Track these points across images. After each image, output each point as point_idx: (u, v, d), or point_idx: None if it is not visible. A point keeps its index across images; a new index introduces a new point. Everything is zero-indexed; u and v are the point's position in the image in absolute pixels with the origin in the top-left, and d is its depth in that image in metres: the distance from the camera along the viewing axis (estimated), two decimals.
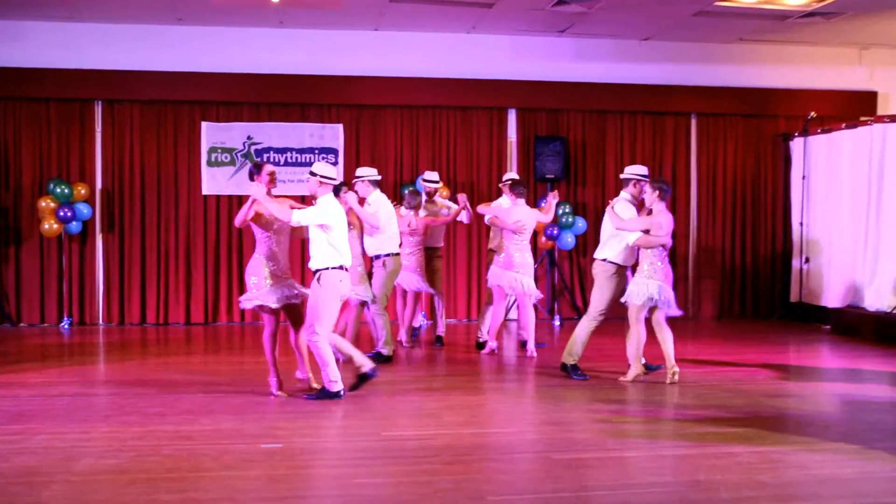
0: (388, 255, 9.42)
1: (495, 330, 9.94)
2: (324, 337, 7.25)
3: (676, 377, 8.11)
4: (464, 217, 10.60)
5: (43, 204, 11.81)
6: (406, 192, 10.89)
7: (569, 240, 12.80)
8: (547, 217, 10.11)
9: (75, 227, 12.00)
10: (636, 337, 8.21)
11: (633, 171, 8.72)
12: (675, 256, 12.51)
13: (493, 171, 13.17)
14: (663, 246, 8.16)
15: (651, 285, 8.07)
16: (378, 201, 9.40)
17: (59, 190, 11.78)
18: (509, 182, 9.97)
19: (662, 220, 8.14)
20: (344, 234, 7.50)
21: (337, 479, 5.21)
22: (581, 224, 12.83)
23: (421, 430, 6.41)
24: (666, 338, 8.18)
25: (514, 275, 9.61)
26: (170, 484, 5.10)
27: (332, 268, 7.32)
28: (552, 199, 10.06)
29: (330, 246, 7.34)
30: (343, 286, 7.43)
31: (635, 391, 7.90)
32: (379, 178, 9.61)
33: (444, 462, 5.62)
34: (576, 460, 5.70)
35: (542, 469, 5.52)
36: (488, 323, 10.12)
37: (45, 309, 12.41)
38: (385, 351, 9.26)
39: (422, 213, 10.40)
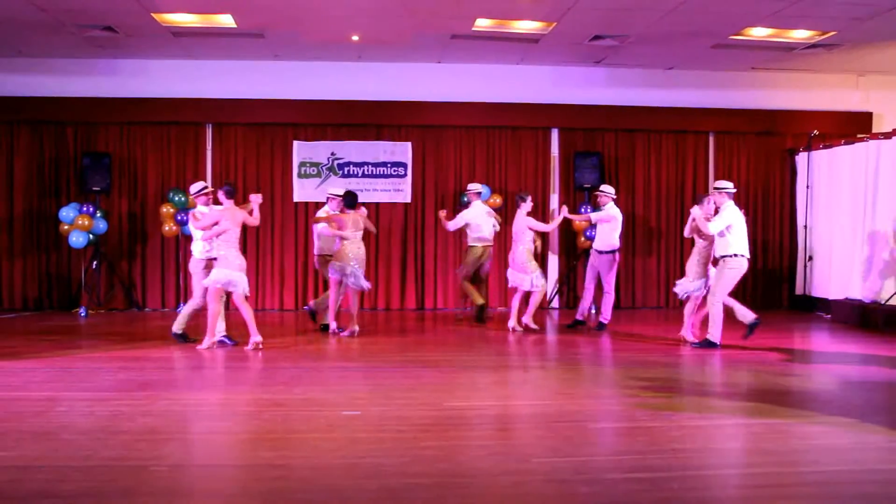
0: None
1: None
2: None
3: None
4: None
5: (164, 210, 12.04)
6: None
7: None
8: (544, 227, 10.32)
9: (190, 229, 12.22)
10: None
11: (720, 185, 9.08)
12: None
13: (538, 181, 13.11)
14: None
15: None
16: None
17: (177, 198, 12.00)
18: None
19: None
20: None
21: (405, 441, 5.22)
22: None
23: (476, 402, 6.41)
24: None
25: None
26: (268, 443, 5.16)
27: None
28: (563, 212, 10.41)
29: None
30: None
31: (660, 371, 7.81)
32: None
33: (495, 429, 5.62)
34: (609, 429, 5.67)
35: (579, 436, 5.48)
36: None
37: (165, 296, 12.67)
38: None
39: None
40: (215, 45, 11.71)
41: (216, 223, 8.51)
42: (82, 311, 11.95)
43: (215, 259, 8.64)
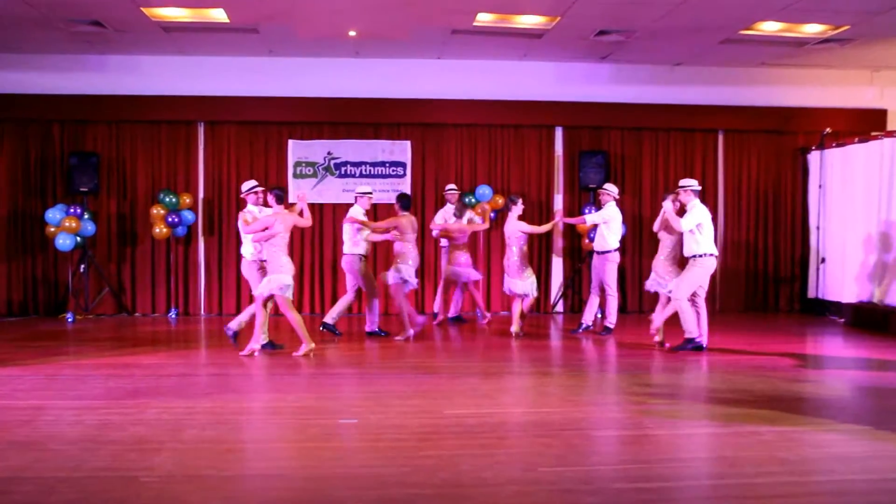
0: None
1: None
2: None
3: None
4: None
5: (154, 211, 12.04)
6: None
7: None
8: (537, 229, 10.39)
9: (181, 230, 12.23)
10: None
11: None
12: None
13: (542, 181, 13.12)
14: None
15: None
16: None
17: (168, 199, 12.00)
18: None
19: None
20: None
21: (405, 450, 5.22)
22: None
23: (478, 409, 6.40)
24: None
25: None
26: (262, 453, 5.17)
27: None
28: (557, 216, 10.70)
29: None
30: None
31: (668, 376, 7.81)
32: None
33: (498, 437, 5.61)
34: (615, 437, 5.66)
35: (585, 444, 5.48)
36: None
37: (156, 301, 12.66)
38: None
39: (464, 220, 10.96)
40: (207, 41, 11.71)
41: (266, 228, 8.56)
42: (69, 317, 11.94)
43: (264, 261, 8.77)
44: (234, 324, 9.24)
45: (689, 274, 8.93)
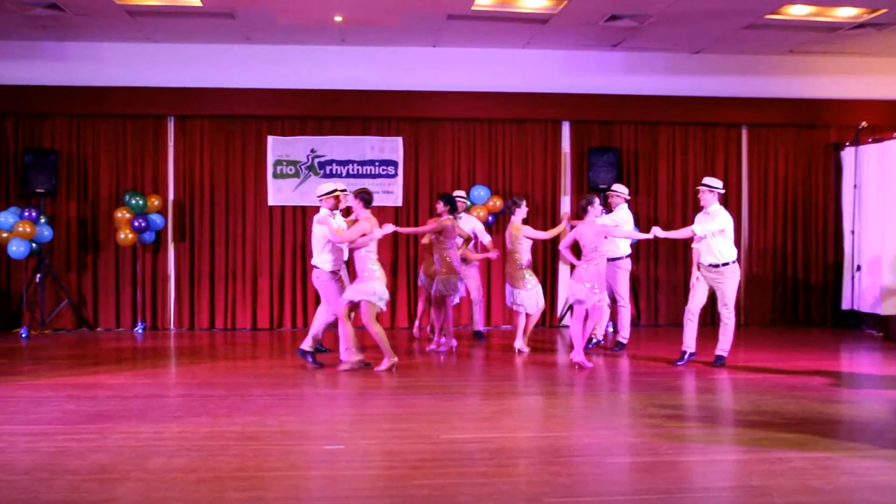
0: None
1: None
2: None
3: None
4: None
5: (119, 215, 12.01)
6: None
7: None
8: (542, 235, 10.48)
9: (149, 236, 12.20)
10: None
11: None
12: None
13: (547, 182, 13.12)
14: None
15: None
16: None
17: (134, 201, 11.98)
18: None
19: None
20: None
21: (397, 480, 5.19)
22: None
23: (478, 434, 6.37)
24: None
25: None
26: (237, 483, 5.14)
27: None
28: (565, 220, 10.72)
29: None
30: None
31: (687, 397, 7.79)
32: None
33: (500, 464, 5.58)
34: (630, 464, 5.64)
35: (596, 473, 5.46)
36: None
37: (121, 314, 12.63)
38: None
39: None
40: (178, 27, 11.70)
41: (365, 234, 8.72)
42: (23, 332, 11.91)
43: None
44: (307, 344, 9.20)
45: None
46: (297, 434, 6.34)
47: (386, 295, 8.81)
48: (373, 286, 8.69)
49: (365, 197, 8.93)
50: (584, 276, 9.09)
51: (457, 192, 11.64)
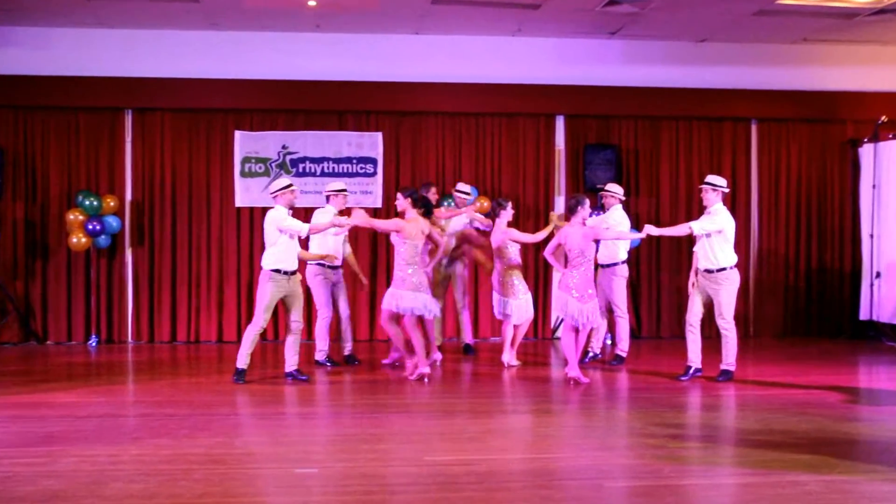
0: None
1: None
2: None
3: None
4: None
5: (71, 217, 11.96)
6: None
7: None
8: (529, 238, 10.36)
9: (104, 240, 12.14)
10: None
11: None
12: None
13: (540, 181, 13.14)
14: None
15: None
16: None
17: (87, 202, 11.93)
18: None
19: None
20: None
21: None
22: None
23: (464, 455, 6.38)
24: None
25: None
26: None
27: None
28: (553, 222, 10.60)
29: None
30: None
31: (691, 415, 7.82)
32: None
33: (488, 489, 5.59)
34: (629, 488, 5.66)
35: (593, 497, 5.47)
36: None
37: (73, 326, 12.56)
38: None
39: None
40: (136, 11, 11.67)
41: (399, 231, 9.25)
42: None
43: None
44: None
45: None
46: (267, 456, 6.33)
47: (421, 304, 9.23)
48: (421, 297, 9.19)
49: (415, 196, 9.40)
50: (570, 285, 9.11)
51: (460, 185, 11.59)
